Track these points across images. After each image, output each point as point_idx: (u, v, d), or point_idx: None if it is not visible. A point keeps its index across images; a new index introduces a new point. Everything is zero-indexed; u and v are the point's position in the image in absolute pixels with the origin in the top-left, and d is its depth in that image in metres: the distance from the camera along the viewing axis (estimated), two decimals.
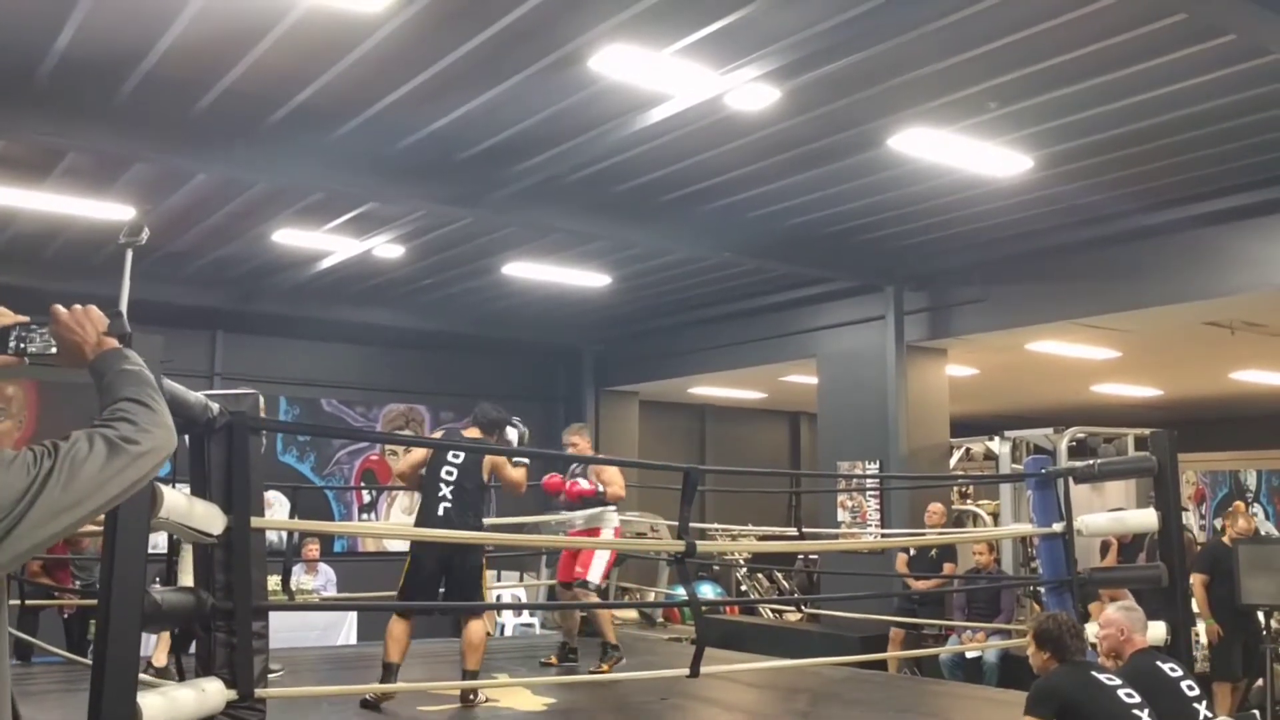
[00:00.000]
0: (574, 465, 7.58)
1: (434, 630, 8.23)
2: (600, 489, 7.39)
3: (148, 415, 1.82)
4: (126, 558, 3.36)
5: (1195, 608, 8.03)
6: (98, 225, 9.78)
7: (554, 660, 7.68)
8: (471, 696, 6.12)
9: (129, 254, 4.89)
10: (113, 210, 9.25)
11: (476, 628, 6.24)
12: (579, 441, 7.71)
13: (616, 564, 11.13)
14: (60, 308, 1.95)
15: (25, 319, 1.96)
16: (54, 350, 1.95)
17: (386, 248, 10.94)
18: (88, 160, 8.59)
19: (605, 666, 7.21)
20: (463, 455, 6.38)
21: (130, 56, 6.90)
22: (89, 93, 7.41)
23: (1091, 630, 5.36)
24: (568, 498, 7.60)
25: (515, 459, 6.52)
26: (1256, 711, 7.58)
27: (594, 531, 7.50)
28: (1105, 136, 7.93)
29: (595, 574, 7.40)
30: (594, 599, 7.51)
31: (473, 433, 6.75)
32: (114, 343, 1.97)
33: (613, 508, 7.57)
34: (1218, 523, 14.33)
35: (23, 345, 1.94)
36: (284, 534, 9.27)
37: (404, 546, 14.14)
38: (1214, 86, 7.04)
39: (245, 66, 6.96)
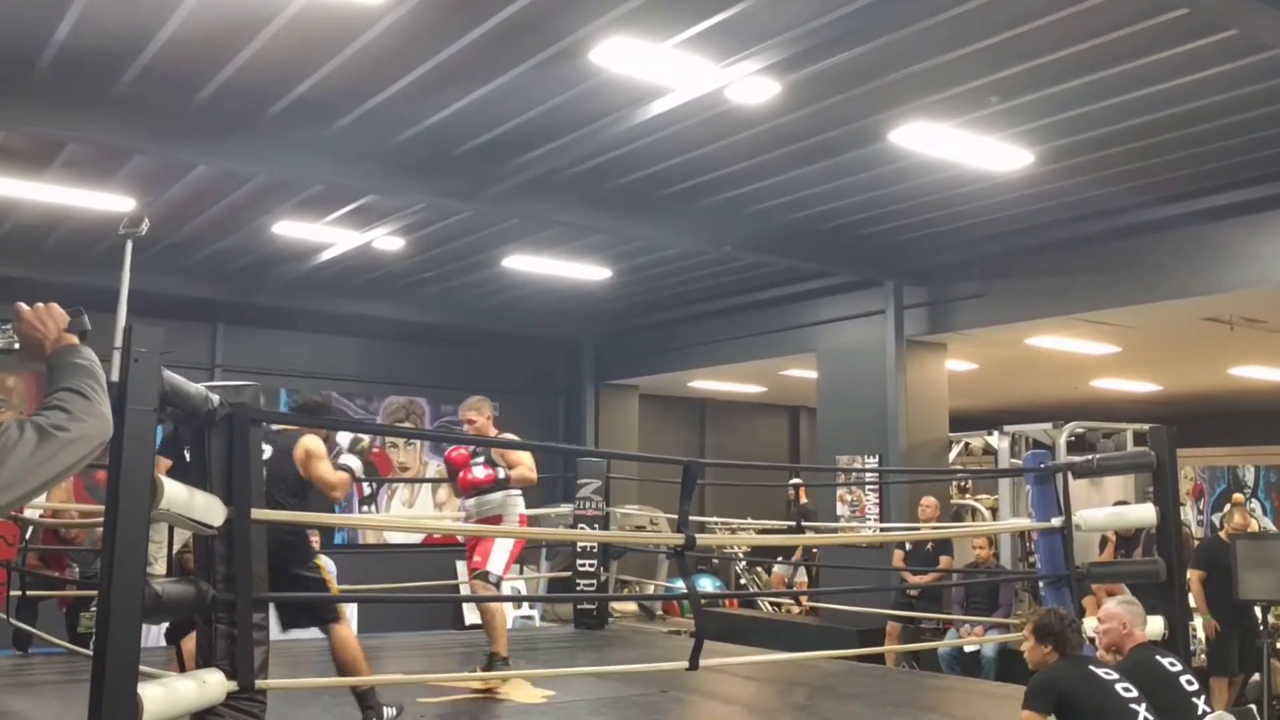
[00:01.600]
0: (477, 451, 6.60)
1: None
2: (503, 473, 6.55)
3: (82, 404, 1.89)
4: (127, 549, 3.36)
5: (1192, 603, 8.04)
6: (98, 217, 9.77)
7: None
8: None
9: (129, 245, 4.90)
10: (113, 202, 9.24)
11: (346, 639, 5.23)
12: (475, 418, 6.68)
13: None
14: (24, 305, 2.05)
15: None
16: (16, 347, 2.04)
17: (387, 240, 10.93)
18: (88, 151, 8.58)
19: (491, 684, 6.27)
20: (269, 449, 5.17)
21: (130, 47, 6.89)
22: (89, 84, 7.40)
23: (1089, 625, 5.38)
24: (462, 487, 6.70)
25: (339, 463, 5.54)
26: (1253, 706, 7.59)
27: (494, 521, 6.66)
28: (1106, 131, 7.93)
29: (496, 564, 6.47)
30: (493, 592, 6.56)
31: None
32: (73, 339, 2.05)
33: (517, 493, 6.72)
34: (1215, 519, 14.35)
35: None
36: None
37: (406, 539, 14.08)
38: (1215, 82, 7.03)
39: (245, 58, 6.95)
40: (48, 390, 1.94)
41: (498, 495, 6.65)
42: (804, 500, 13.09)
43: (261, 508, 4.12)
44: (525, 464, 6.62)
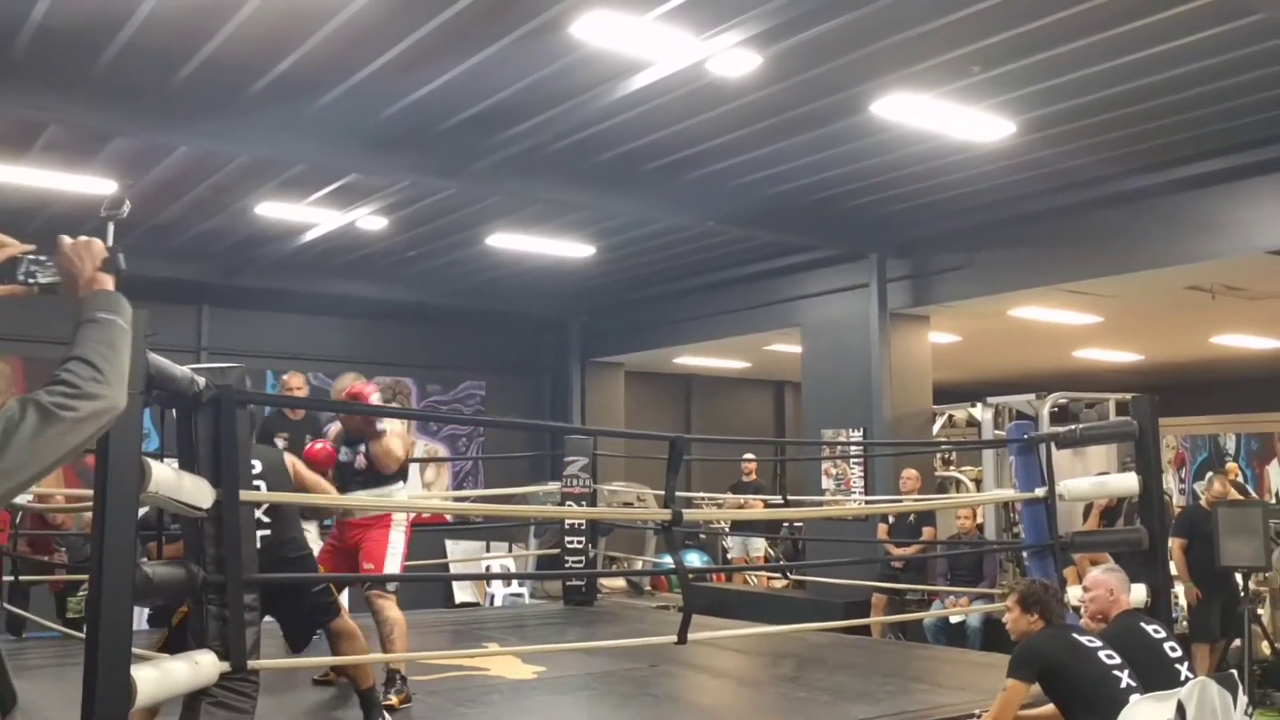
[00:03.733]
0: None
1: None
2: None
3: (90, 375, 1.77)
4: (117, 532, 3.37)
5: (1174, 570, 8.12)
6: (80, 200, 9.70)
7: (331, 677, 6.14)
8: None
9: (111, 228, 4.86)
10: (95, 184, 9.18)
11: (348, 633, 4.96)
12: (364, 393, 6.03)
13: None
14: (65, 238, 1.97)
15: (31, 248, 1.97)
16: (58, 280, 1.96)
17: (370, 220, 10.89)
18: (68, 134, 8.52)
19: (394, 700, 5.63)
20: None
21: (108, 26, 6.83)
22: (67, 65, 7.34)
23: (1074, 594, 5.44)
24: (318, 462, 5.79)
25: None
26: (1235, 671, 7.68)
27: (381, 516, 5.91)
28: (1088, 100, 7.93)
29: (393, 566, 5.82)
30: (392, 604, 5.72)
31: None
32: (106, 281, 1.95)
33: (399, 484, 6.05)
34: (1197, 487, 14.46)
35: (32, 278, 1.96)
36: None
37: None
38: (1197, 49, 7.03)
39: (224, 36, 6.90)
40: (66, 350, 1.83)
41: (383, 486, 5.96)
42: (753, 476, 13.20)
43: (249, 489, 4.13)
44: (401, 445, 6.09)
